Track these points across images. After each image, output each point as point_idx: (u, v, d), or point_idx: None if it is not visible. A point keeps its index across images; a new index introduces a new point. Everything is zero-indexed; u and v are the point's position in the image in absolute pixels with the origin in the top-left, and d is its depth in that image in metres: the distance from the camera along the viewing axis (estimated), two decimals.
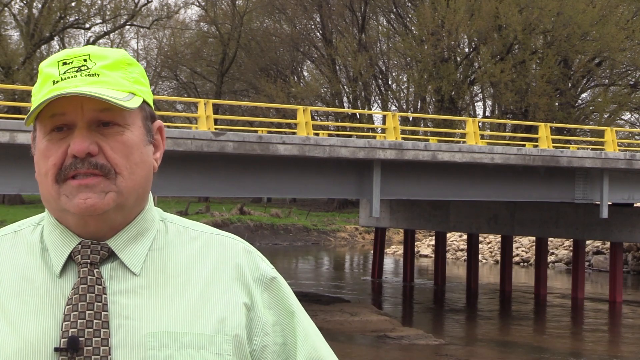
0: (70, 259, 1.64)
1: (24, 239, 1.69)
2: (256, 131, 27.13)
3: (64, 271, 1.63)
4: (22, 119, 26.03)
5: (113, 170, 1.61)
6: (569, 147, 29.29)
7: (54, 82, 1.62)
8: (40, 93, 1.63)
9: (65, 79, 1.62)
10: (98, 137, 1.61)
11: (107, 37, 56.06)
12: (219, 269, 1.69)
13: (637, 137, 50.16)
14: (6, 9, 47.63)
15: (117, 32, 56.71)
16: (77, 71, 1.62)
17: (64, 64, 1.63)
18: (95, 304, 1.58)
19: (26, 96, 43.93)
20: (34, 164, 1.67)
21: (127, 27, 56.52)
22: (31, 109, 1.62)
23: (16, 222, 1.75)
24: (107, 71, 1.64)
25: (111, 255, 1.64)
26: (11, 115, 31.21)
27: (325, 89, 58.23)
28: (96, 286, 1.60)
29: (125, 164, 1.63)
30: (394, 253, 45.21)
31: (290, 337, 1.71)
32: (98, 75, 1.62)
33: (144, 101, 1.68)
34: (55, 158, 1.61)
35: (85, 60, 1.64)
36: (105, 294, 1.60)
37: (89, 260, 1.62)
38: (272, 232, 48.39)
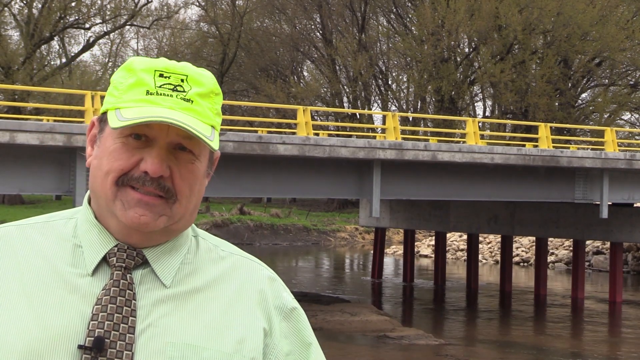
0: (103, 259, 1.64)
1: (55, 230, 1.69)
2: (256, 131, 27.14)
3: (95, 271, 1.64)
4: (22, 119, 26.06)
5: (175, 196, 1.62)
6: (569, 147, 29.29)
7: (148, 93, 1.61)
8: (129, 95, 1.62)
9: (160, 94, 1.61)
10: (172, 161, 1.62)
11: (107, 37, 56.06)
12: (243, 291, 1.70)
13: (637, 137, 50.14)
14: (6, 9, 47.62)
15: (117, 32, 56.70)
16: (172, 90, 1.62)
17: (161, 75, 1.62)
18: (125, 308, 1.59)
19: (26, 96, 43.96)
20: (91, 155, 1.67)
21: (127, 27, 56.52)
22: (129, 122, 1.56)
23: (46, 214, 1.74)
24: (200, 99, 1.63)
25: (144, 263, 1.65)
26: (11, 115, 31.22)
27: (325, 89, 58.24)
28: (127, 291, 1.61)
29: (187, 193, 1.64)
30: (394, 253, 45.20)
31: None
32: (192, 102, 1.62)
33: None
34: (125, 164, 1.61)
35: (182, 80, 1.63)
36: (135, 300, 1.61)
37: (123, 265, 1.63)
38: (272, 232, 48.37)
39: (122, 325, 1.57)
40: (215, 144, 1.62)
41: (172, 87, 1.61)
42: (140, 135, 1.61)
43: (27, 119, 29.68)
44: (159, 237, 1.66)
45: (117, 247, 1.64)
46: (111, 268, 1.63)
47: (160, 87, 1.61)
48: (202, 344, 1.61)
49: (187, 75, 1.63)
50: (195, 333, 1.62)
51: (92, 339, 1.55)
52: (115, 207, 1.61)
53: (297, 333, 1.74)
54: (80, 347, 1.55)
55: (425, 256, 43.73)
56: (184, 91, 1.62)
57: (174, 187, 1.62)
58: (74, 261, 1.64)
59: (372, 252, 36.33)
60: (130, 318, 1.58)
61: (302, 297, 25.04)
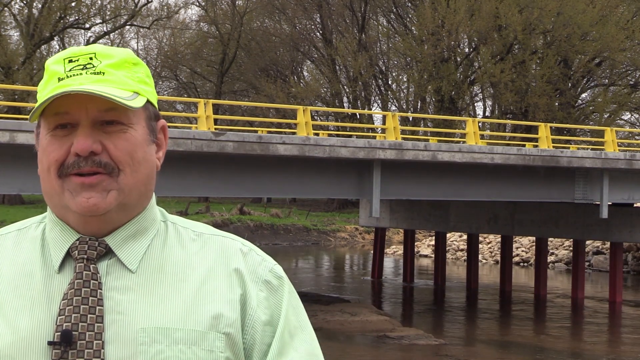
0: (69, 255, 1.65)
1: (27, 236, 1.71)
2: (256, 131, 27.12)
3: (63, 267, 1.65)
4: (23, 119, 26.03)
5: (116, 168, 1.62)
6: (569, 147, 29.29)
7: (59, 79, 1.63)
8: (46, 90, 1.64)
9: (70, 76, 1.62)
10: (101, 136, 1.62)
11: (107, 37, 56.04)
12: (215, 267, 1.69)
13: (637, 137, 50.15)
14: (6, 9, 47.62)
15: (117, 32, 56.71)
16: (82, 69, 1.63)
17: (70, 61, 1.64)
18: (90, 298, 1.59)
19: (26, 96, 43.95)
20: (37, 160, 1.68)
21: (127, 27, 56.54)
22: (36, 106, 1.63)
23: (20, 221, 1.76)
24: (112, 70, 1.64)
25: (109, 252, 1.65)
26: (11, 115, 31.22)
27: (325, 89, 58.24)
28: (92, 281, 1.61)
29: (129, 161, 1.63)
30: (394, 253, 45.20)
31: (281, 335, 1.70)
32: (103, 73, 1.63)
33: (148, 101, 1.68)
34: (58, 154, 1.62)
35: (91, 58, 1.64)
36: (101, 290, 1.61)
37: (85, 256, 1.63)
38: (272, 232, 48.38)
39: (89, 316, 1.58)
40: (135, 103, 1.62)
41: (81, 66, 1.63)
42: (65, 124, 1.62)
43: (27, 119, 29.67)
44: (118, 217, 1.65)
45: (79, 240, 1.65)
46: (75, 262, 1.63)
47: (70, 70, 1.63)
48: (174, 325, 1.60)
49: (95, 53, 1.65)
50: (167, 316, 1.61)
51: (60, 333, 1.57)
52: (65, 199, 1.62)
53: (275, 301, 1.71)
54: (49, 343, 1.57)
55: (425, 256, 43.73)
56: (93, 67, 1.63)
57: (112, 159, 1.62)
58: (44, 262, 1.66)
59: (372, 252, 36.33)
60: (97, 308, 1.59)
61: (302, 297, 24.92)
